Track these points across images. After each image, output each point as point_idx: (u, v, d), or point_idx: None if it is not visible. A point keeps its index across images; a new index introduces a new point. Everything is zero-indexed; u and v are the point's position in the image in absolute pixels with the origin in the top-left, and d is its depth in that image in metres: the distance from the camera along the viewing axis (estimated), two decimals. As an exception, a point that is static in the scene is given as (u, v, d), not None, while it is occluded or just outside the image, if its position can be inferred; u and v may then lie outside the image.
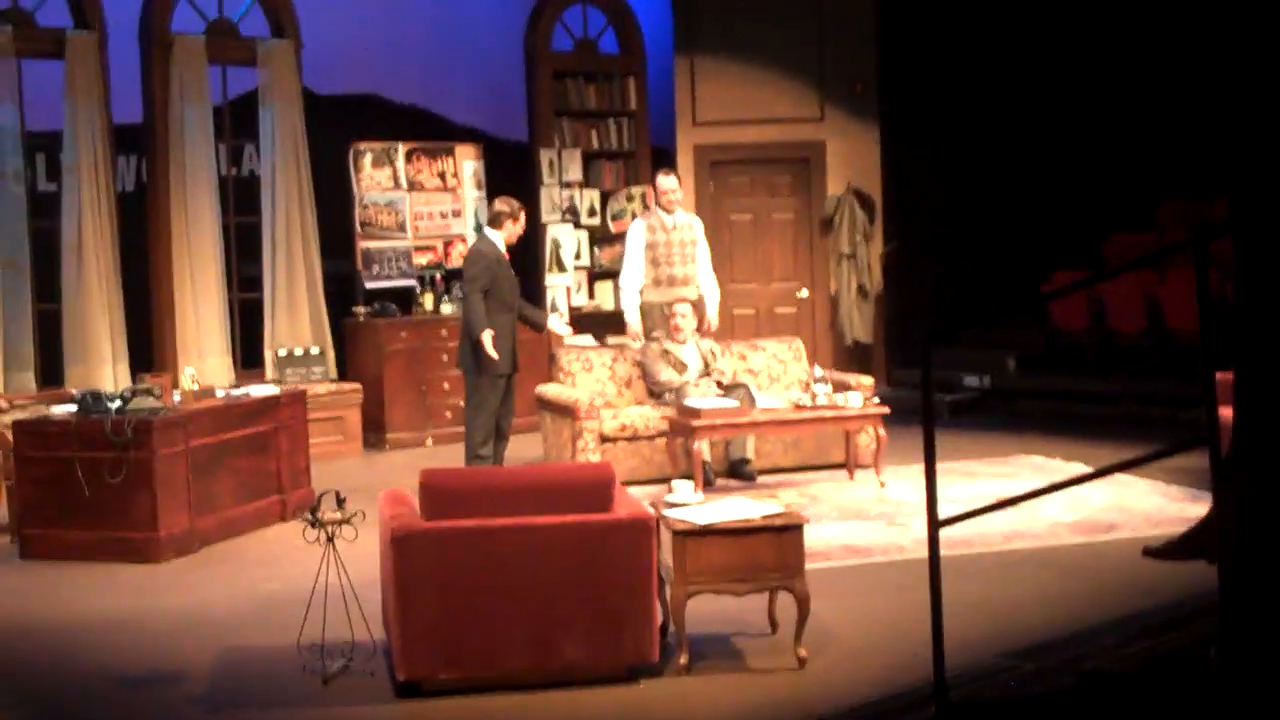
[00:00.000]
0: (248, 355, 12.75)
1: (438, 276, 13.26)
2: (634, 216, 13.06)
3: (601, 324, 13.79)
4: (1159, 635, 5.93)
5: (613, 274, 13.13)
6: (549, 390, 10.95)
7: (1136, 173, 14.32)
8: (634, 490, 8.42)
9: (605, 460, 10.02)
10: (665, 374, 10.69)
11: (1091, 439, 11.42)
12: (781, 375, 11.32)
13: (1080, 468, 10.01)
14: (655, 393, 10.79)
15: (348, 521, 6.38)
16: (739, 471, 10.57)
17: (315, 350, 12.68)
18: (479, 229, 12.03)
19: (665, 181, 11.12)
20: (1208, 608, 5.20)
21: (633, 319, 11.08)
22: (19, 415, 9.77)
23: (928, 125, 14.74)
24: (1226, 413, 5.00)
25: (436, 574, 6.02)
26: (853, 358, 14.15)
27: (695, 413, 9.91)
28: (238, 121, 12.85)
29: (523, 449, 11.02)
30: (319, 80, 13.07)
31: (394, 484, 7.17)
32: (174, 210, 12.16)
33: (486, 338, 9.56)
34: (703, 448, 9.91)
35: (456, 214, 13.55)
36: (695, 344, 10.86)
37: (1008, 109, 14.74)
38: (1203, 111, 13.02)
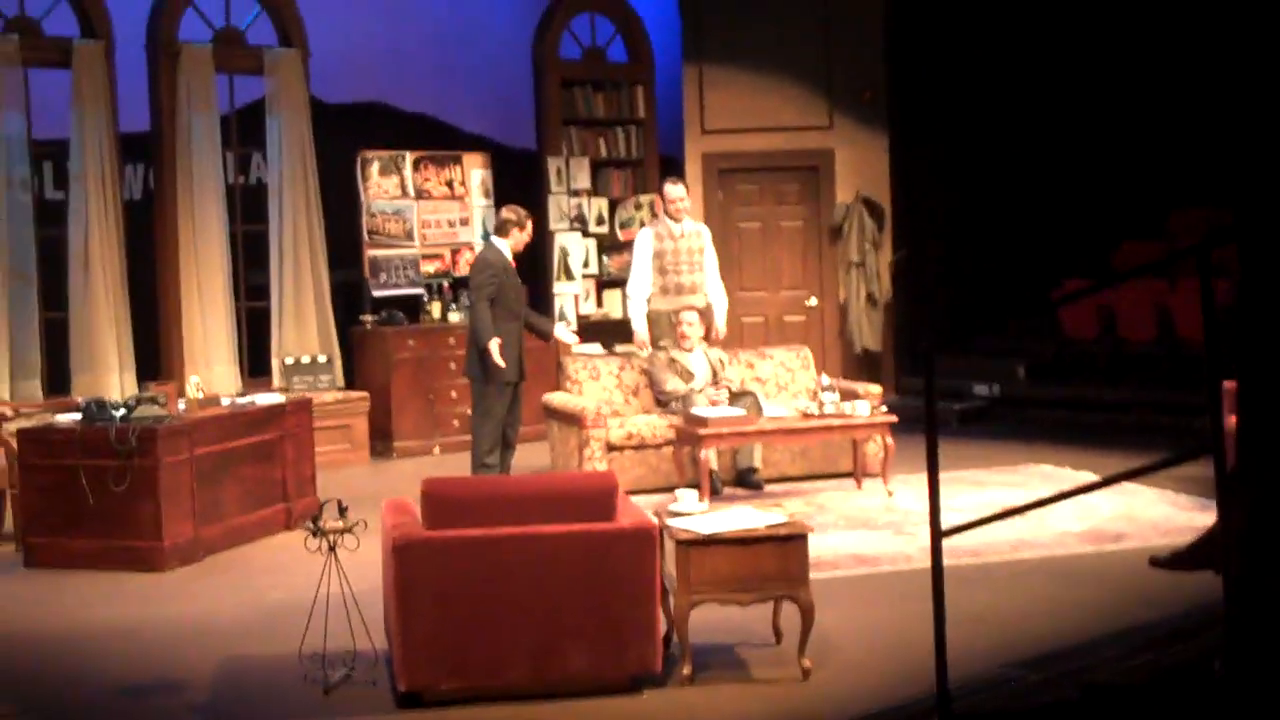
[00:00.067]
0: (255, 363, 12.74)
1: (445, 285, 13.25)
2: (642, 224, 13.05)
3: (610, 332, 13.76)
4: (1165, 647, 5.89)
5: (621, 282, 13.10)
6: (556, 399, 10.92)
7: (1147, 181, 14.29)
8: (640, 499, 8.42)
9: (610, 469, 9.99)
10: (671, 383, 10.66)
11: (1102, 448, 11.38)
12: (789, 384, 11.30)
13: (1090, 477, 9.96)
14: (662, 401, 10.76)
15: (349, 530, 6.36)
16: (746, 480, 10.54)
17: (322, 358, 12.67)
18: (486, 237, 12.02)
19: (673, 190, 11.10)
20: (1214, 619, 5.14)
21: (640, 327, 11.05)
22: (24, 423, 9.76)
23: (937, 133, 14.71)
24: (1235, 421, 4.96)
25: (438, 583, 5.99)
26: (862, 366, 14.12)
27: (702, 421, 9.88)
28: (245, 130, 12.86)
29: (530, 457, 11.00)
30: (326, 89, 13.07)
31: (400, 493, 7.13)
32: (181, 219, 12.16)
33: (493, 346, 9.54)
34: (710, 456, 9.87)
35: (464, 222, 13.54)
36: (703, 352, 10.83)
37: (1017, 116, 14.69)
38: (1214, 119, 12.96)
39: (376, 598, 6.67)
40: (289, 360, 12.55)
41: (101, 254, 11.66)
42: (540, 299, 13.38)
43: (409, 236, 13.23)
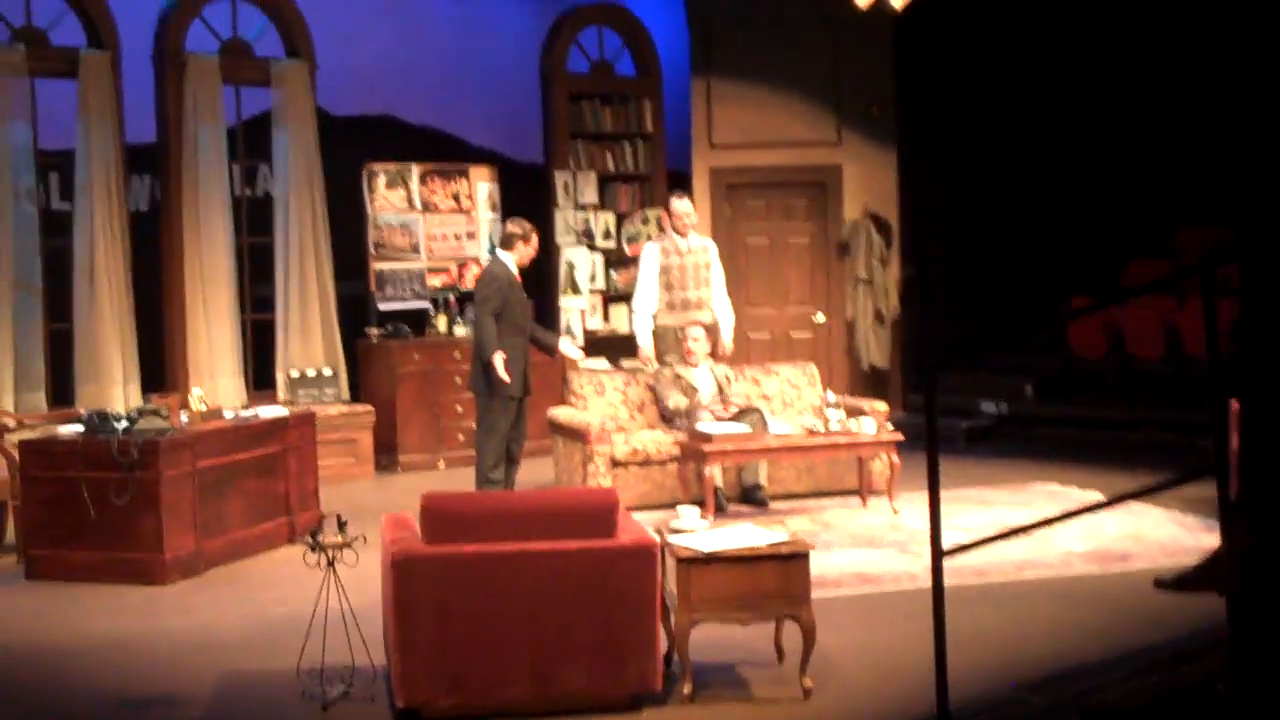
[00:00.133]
0: (260, 376, 12.73)
1: (451, 298, 13.23)
2: (649, 239, 13.02)
3: (616, 347, 13.75)
4: (1169, 669, 5.84)
5: (627, 297, 13.09)
6: (560, 414, 10.89)
7: (1156, 199, 14.25)
8: (645, 516, 8.39)
9: (613, 485, 9.96)
10: (673, 400, 10.63)
11: (1110, 466, 11.34)
12: (795, 400, 11.26)
13: (1096, 496, 9.92)
14: (667, 417, 10.73)
15: (349, 545, 6.32)
16: (751, 497, 10.50)
17: (328, 372, 12.65)
18: (492, 251, 12.00)
19: (679, 205, 11.06)
20: (1219, 642, 5.10)
21: (645, 343, 11.01)
22: (26, 434, 9.74)
23: (945, 149, 14.68)
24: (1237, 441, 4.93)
25: (437, 599, 5.95)
26: (869, 383, 14.09)
27: (707, 438, 9.84)
28: (251, 142, 12.84)
29: (535, 473, 10.97)
30: (333, 101, 13.06)
31: (404, 507, 7.08)
32: (187, 230, 12.15)
33: (498, 360, 9.51)
34: (715, 473, 9.82)
35: (471, 236, 13.52)
36: (709, 368, 10.80)
37: (1026, 134, 14.67)
38: (1223, 137, 12.92)
39: (376, 613, 6.63)
40: (294, 373, 12.53)
41: (107, 265, 11.65)
42: (546, 313, 13.36)
43: (415, 250, 13.22)
